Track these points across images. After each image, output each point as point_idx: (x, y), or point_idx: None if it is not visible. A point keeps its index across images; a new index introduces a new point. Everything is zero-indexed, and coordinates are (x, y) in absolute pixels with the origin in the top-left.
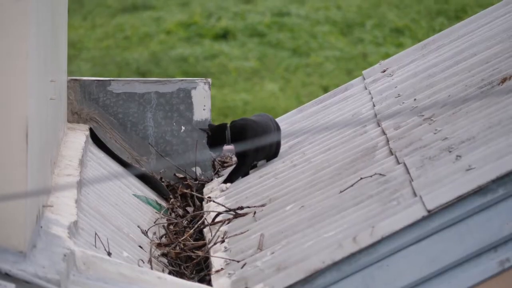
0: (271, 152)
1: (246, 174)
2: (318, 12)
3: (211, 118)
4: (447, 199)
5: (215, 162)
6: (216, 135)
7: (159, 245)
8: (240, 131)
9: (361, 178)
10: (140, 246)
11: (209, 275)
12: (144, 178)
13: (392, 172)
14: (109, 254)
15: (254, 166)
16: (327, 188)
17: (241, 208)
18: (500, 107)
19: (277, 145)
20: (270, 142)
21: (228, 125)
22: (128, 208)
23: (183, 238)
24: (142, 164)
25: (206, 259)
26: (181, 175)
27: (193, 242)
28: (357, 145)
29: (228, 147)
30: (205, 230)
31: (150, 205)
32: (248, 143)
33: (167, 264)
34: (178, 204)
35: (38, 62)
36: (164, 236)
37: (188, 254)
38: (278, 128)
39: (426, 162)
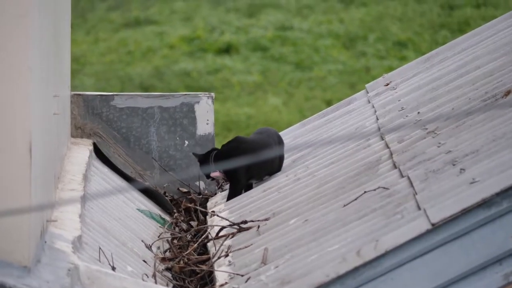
0: (274, 168)
1: (250, 187)
2: (321, 26)
3: (214, 132)
4: (451, 212)
5: None
6: (203, 162)
7: (163, 260)
8: (225, 155)
9: (365, 192)
10: (144, 261)
11: None
12: (148, 193)
13: (396, 185)
14: (113, 268)
15: (250, 186)
16: (330, 202)
17: (245, 222)
18: (504, 120)
19: (280, 160)
20: (267, 158)
21: (214, 152)
22: (132, 222)
23: (187, 252)
24: (145, 178)
25: (210, 273)
26: (184, 189)
27: (197, 256)
28: (360, 158)
29: (214, 174)
30: (209, 244)
31: (154, 220)
32: (231, 165)
33: (171, 278)
34: (182, 218)
35: (41, 77)
36: (168, 251)
37: (192, 268)
38: (280, 143)
39: (430, 175)
